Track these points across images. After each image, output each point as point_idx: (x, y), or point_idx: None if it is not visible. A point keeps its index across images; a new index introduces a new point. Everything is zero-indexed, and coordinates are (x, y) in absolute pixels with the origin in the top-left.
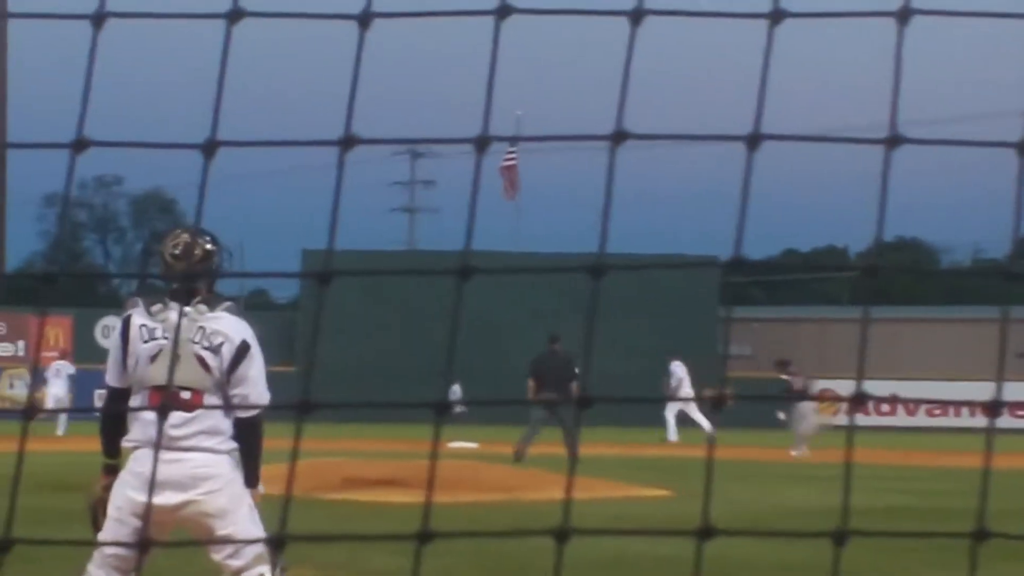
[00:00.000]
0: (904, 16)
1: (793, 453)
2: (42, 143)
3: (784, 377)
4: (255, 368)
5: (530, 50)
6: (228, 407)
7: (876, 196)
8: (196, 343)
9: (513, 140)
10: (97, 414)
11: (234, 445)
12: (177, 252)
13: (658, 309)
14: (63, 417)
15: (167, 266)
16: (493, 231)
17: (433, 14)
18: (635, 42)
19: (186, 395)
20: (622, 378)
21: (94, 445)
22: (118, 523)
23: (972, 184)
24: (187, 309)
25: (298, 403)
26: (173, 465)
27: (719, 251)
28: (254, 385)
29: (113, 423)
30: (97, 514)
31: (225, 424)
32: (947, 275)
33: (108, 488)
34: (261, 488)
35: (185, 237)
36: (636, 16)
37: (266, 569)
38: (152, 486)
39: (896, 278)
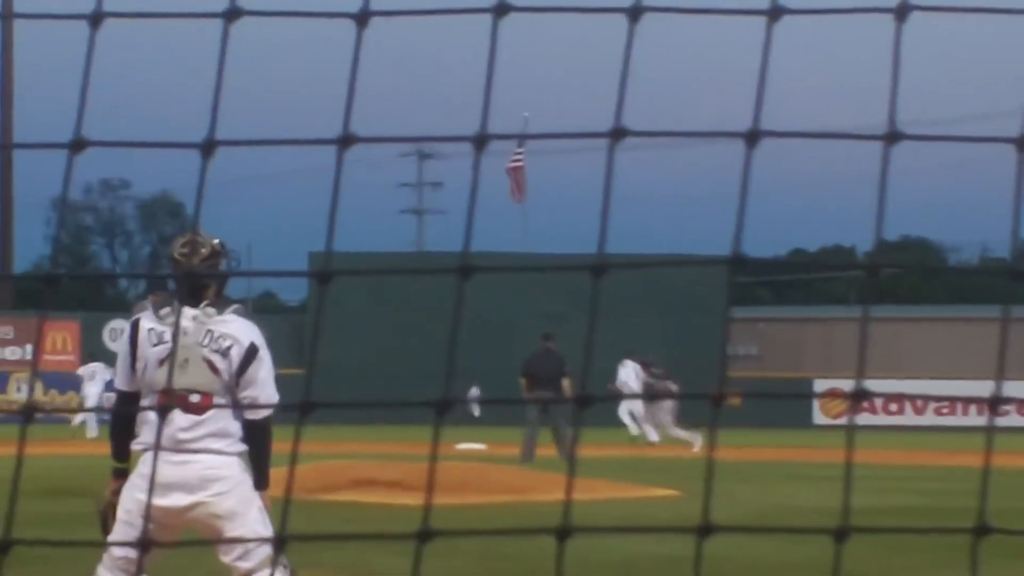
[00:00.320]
0: (902, 12)
1: (653, 439)
2: (40, 143)
3: (648, 380)
4: (264, 370)
5: (538, 52)
6: (237, 408)
7: (888, 195)
8: (205, 346)
9: (513, 139)
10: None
11: (243, 447)
12: (185, 250)
13: (665, 309)
14: (93, 419)
15: (175, 264)
16: (500, 233)
17: (430, 12)
18: (634, 40)
19: (195, 398)
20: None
21: (101, 448)
22: (127, 526)
23: (979, 183)
24: (195, 312)
25: (300, 403)
26: (182, 467)
27: (726, 252)
28: (263, 387)
29: (122, 427)
30: (107, 518)
31: (234, 426)
32: (952, 274)
33: (117, 492)
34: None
35: (192, 236)
36: (634, 13)
37: (276, 571)
38: (152, 487)
39: (902, 277)
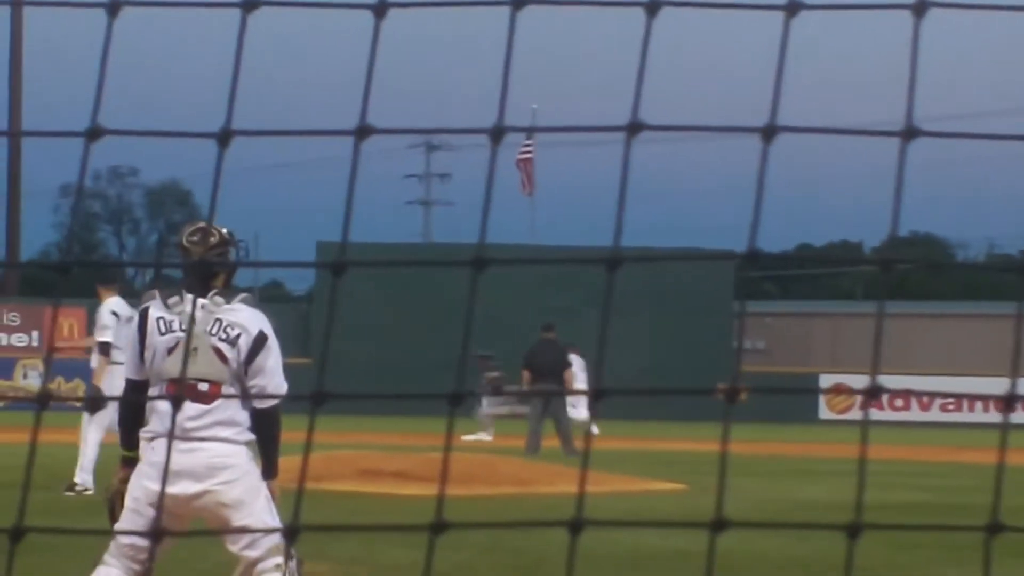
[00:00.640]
0: (920, 9)
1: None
2: (56, 132)
3: (489, 374)
4: (272, 359)
5: (547, 44)
6: (245, 398)
7: (891, 191)
8: (213, 335)
9: (529, 132)
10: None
11: (251, 436)
12: (195, 238)
13: (672, 303)
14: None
15: (185, 252)
16: (507, 225)
17: (449, 4)
18: (651, 34)
19: (204, 387)
20: (635, 372)
21: (109, 437)
22: (135, 514)
23: (987, 180)
24: (204, 301)
25: (313, 394)
26: (190, 455)
27: (734, 245)
28: (271, 376)
29: (131, 415)
30: (114, 506)
31: (242, 415)
32: (962, 270)
33: (126, 480)
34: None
35: (202, 224)
36: (652, 7)
37: (282, 560)
38: (166, 476)
39: (910, 273)
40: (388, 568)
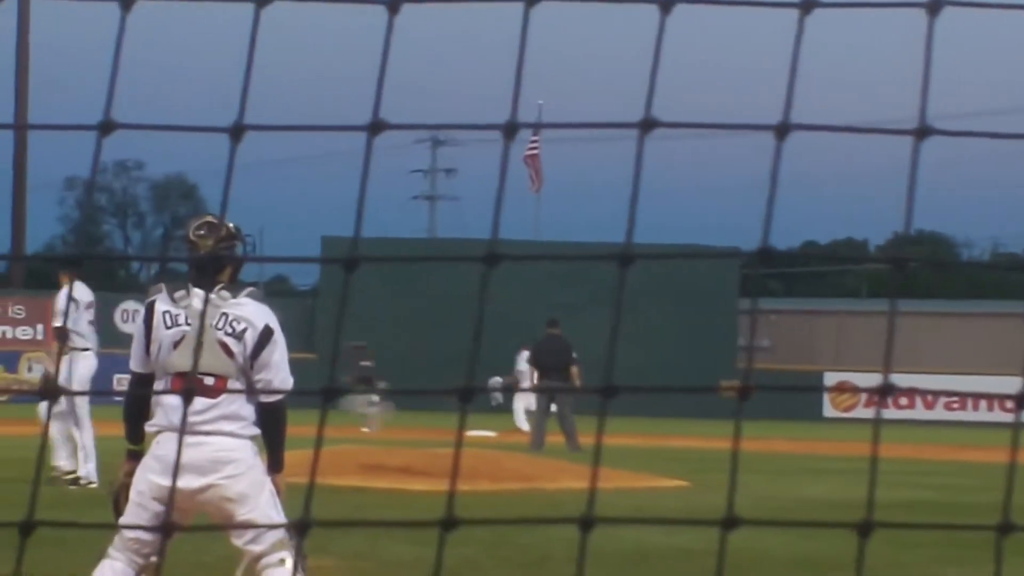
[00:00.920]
0: (934, 8)
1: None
2: (68, 125)
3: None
4: (278, 353)
5: (551, 39)
6: (251, 392)
7: (896, 189)
8: (219, 329)
9: (541, 128)
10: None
11: (257, 431)
12: (202, 232)
13: (677, 300)
14: None
15: (191, 246)
16: (513, 221)
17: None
18: (664, 30)
19: (209, 381)
20: (640, 368)
21: (115, 430)
22: (139, 507)
23: (992, 179)
24: (211, 296)
25: (323, 389)
26: (194, 449)
27: (738, 242)
28: (277, 370)
29: (136, 409)
30: (119, 499)
31: (247, 410)
32: (971, 269)
33: (131, 474)
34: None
35: (209, 218)
36: (666, 5)
37: (287, 555)
38: (176, 470)
39: (916, 272)
40: (392, 563)
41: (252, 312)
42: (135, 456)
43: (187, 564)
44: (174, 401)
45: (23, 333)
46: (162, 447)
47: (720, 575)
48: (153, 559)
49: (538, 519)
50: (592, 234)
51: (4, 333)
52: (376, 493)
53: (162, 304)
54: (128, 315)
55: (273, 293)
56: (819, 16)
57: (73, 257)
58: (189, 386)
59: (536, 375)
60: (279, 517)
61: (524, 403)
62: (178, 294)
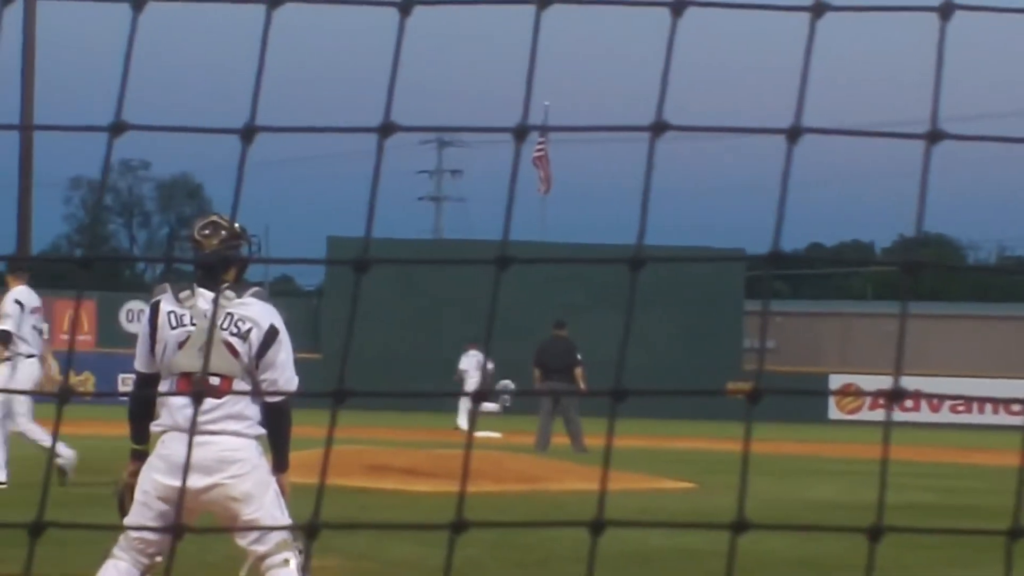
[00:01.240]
0: (946, 12)
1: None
2: (79, 126)
3: None
4: (283, 353)
5: (556, 39)
6: (256, 393)
7: (902, 191)
8: (224, 329)
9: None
10: (123, 399)
11: (261, 431)
12: (207, 232)
13: (683, 301)
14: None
15: (197, 245)
16: (517, 221)
17: (475, 2)
18: (676, 33)
19: (214, 381)
20: (645, 370)
21: (120, 430)
22: (144, 507)
23: (998, 182)
24: (213, 296)
25: (334, 391)
26: (200, 448)
27: (744, 243)
28: (282, 370)
29: (141, 409)
30: (124, 499)
31: (252, 410)
32: (979, 272)
33: (135, 474)
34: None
35: (214, 217)
36: (677, 7)
37: (291, 555)
38: (186, 471)
39: (922, 274)
40: (396, 563)
41: (257, 312)
42: (140, 456)
43: (192, 563)
44: (179, 401)
45: None
46: (167, 447)
47: None
48: (158, 559)
49: (548, 522)
50: (596, 235)
51: None
52: (381, 494)
53: (167, 304)
54: (133, 315)
55: (278, 293)
56: (827, 18)
57: (80, 259)
58: (199, 387)
59: (540, 376)
60: (284, 517)
61: (467, 404)
62: (183, 294)
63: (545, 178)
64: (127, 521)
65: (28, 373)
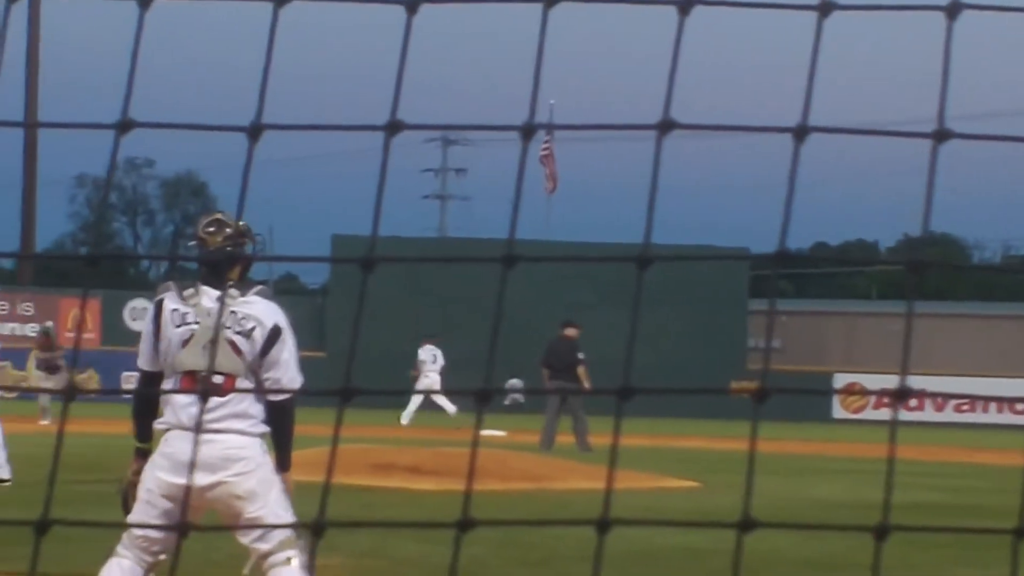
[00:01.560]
0: (953, 11)
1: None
2: (86, 124)
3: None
4: (287, 352)
5: (560, 37)
6: (260, 391)
7: (906, 190)
8: (228, 328)
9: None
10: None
11: (265, 429)
12: (211, 229)
13: (687, 300)
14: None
15: (201, 243)
16: (522, 220)
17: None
18: (683, 32)
19: (218, 379)
20: (649, 368)
21: (123, 428)
22: (148, 505)
23: (1002, 180)
24: (219, 294)
25: (341, 389)
26: (204, 446)
27: (748, 242)
28: (286, 369)
29: (145, 407)
30: (128, 498)
31: (256, 408)
32: (985, 271)
33: (139, 472)
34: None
35: (219, 215)
36: (685, 6)
37: (294, 553)
38: (192, 469)
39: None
40: (401, 562)
41: (261, 310)
42: (143, 454)
43: (196, 562)
44: (183, 399)
45: (32, 330)
46: (171, 445)
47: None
48: (162, 557)
49: (554, 520)
50: (599, 234)
51: (13, 330)
52: (385, 492)
53: (171, 302)
54: (137, 313)
55: (282, 291)
56: (833, 17)
57: (86, 257)
58: (204, 385)
59: (548, 376)
60: (287, 516)
61: (416, 402)
62: (187, 292)
63: (551, 177)
64: (131, 519)
65: None
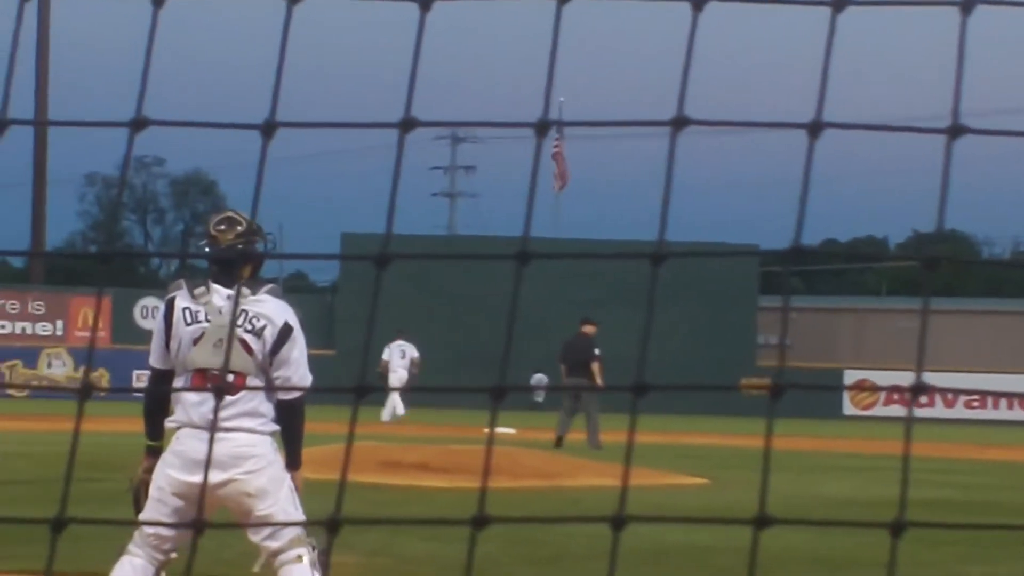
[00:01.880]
0: (968, 6)
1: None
2: (99, 122)
3: None
4: (297, 350)
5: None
6: (271, 389)
7: (916, 186)
8: (239, 326)
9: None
10: (138, 395)
11: (275, 428)
12: (223, 227)
13: (697, 297)
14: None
15: (212, 240)
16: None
17: None
18: (697, 27)
19: (229, 378)
20: (659, 365)
21: (134, 426)
22: (159, 503)
23: (1013, 176)
24: (230, 292)
25: (356, 387)
26: (215, 444)
27: (757, 239)
28: (296, 367)
29: (156, 405)
30: (139, 496)
31: (266, 407)
32: (998, 266)
33: (150, 470)
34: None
35: (230, 213)
36: (698, 2)
37: (304, 551)
38: (207, 467)
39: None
40: (410, 560)
41: (272, 309)
42: (154, 452)
43: (207, 560)
44: (194, 397)
45: (43, 329)
46: (182, 443)
47: (752, 574)
48: (173, 555)
49: (568, 517)
50: (607, 232)
51: (24, 329)
52: (395, 490)
53: (182, 300)
54: (147, 311)
55: (292, 289)
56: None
57: (99, 254)
58: (218, 383)
59: (566, 372)
60: (298, 513)
61: (395, 399)
62: (198, 290)
63: (560, 175)
64: (142, 517)
65: None
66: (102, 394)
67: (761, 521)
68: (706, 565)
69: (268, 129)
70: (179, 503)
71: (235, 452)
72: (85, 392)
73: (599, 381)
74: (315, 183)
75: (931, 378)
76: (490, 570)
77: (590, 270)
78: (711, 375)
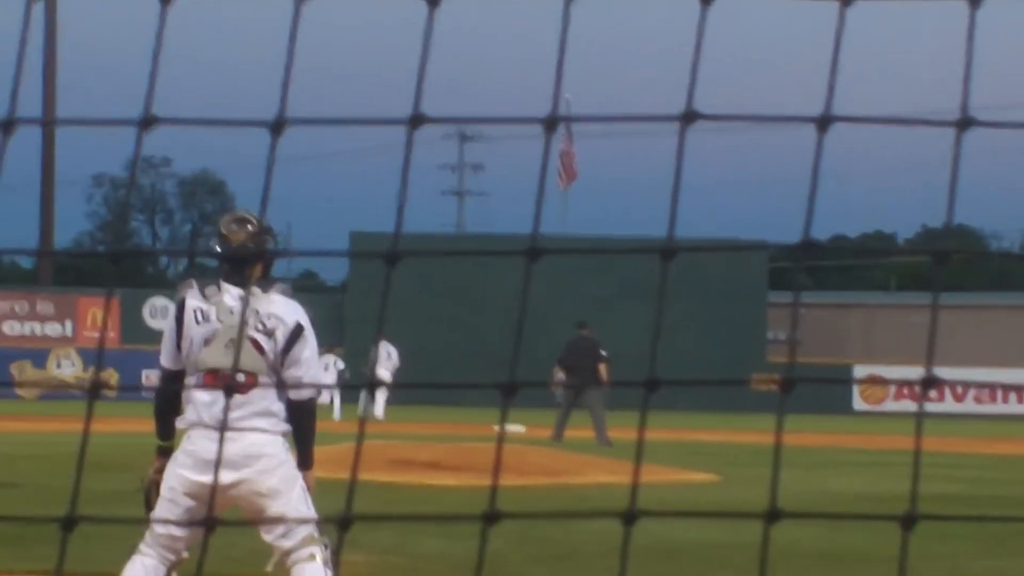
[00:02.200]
0: None
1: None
2: (108, 120)
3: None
4: (308, 350)
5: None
6: (282, 388)
7: (924, 181)
8: (250, 326)
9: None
10: (148, 395)
11: (287, 427)
12: (234, 227)
13: (706, 293)
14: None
15: (224, 240)
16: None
17: None
18: (706, 23)
19: (240, 378)
20: (668, 361)
21: (144, 426)
22: (171, 503)
23: (1021, 169)
24: (241, 292)
25: (369, 384)
26: (227, 444)
27: (765, 235)
28: (307, 367)
29: (167, 405)
30: (150, 496)
31: (278, 406)
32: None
33: (161, 470)
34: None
35: (240, 212)
36: None
37: (316, 550)
38: (218, 466)
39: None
40: (421, 557)
41: (283, 309)
42: (165, 452)
43: (217, 558)
44: (205, 397)
45: (52, 330)
46: (193, 443)
47: (763, 569)
48: (184, 555)
49: (579, 513)
50: (613, 227)
51: (33, 330)
52: (405, 488)
53: (193, 300)
54: (156, 311)
55: (302, 289)
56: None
57: (109, 254)
58: (229, 382)
59: (565, 375)
60: (310, 513)
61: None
62: (209, 290)
63: (566, 172)
64: (153, 517)
65: None
66: (111, 394)
67: (772, 515)
68: (716, 562)
69: (277, 126)
70: (191, 503)
71: (247, 452)
72: (94, 391)
73: (606, 381)
74: (323, 183)
75: (940, 373)
76: (501, 568)
77: (599, 267)
78: (721, 371)
